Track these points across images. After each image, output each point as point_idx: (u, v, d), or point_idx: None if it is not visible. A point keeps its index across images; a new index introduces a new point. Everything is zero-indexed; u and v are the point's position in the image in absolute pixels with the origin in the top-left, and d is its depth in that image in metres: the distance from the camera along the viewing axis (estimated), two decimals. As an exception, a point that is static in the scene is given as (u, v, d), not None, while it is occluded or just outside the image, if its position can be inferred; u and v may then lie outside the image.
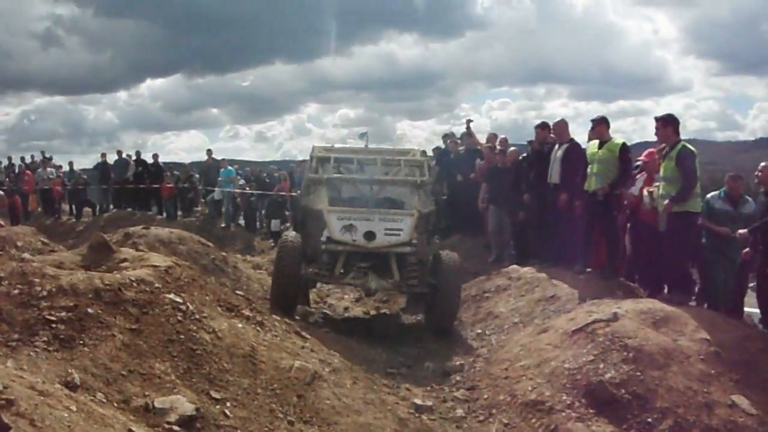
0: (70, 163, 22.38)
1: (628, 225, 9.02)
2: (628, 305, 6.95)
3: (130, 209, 20.27)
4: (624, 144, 8.58)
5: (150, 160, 20.44)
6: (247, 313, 6.38)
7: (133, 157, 20.59)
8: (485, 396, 6.23)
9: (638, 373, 5.82)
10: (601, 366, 5.93)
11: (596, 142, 8.72)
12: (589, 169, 8.66)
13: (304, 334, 6.71)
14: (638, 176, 8.69)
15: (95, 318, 5.06)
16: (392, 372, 6.95)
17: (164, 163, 23.80)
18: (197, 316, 5.67)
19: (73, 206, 21.12)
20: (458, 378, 6.75)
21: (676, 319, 6.64)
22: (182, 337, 5.33)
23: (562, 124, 9.67)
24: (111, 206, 20.83)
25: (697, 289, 8.33)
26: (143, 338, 5.12)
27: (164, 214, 19.83)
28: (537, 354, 6.48)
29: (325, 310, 10.92)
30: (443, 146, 13.72)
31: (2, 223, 19.61)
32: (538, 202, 9.74)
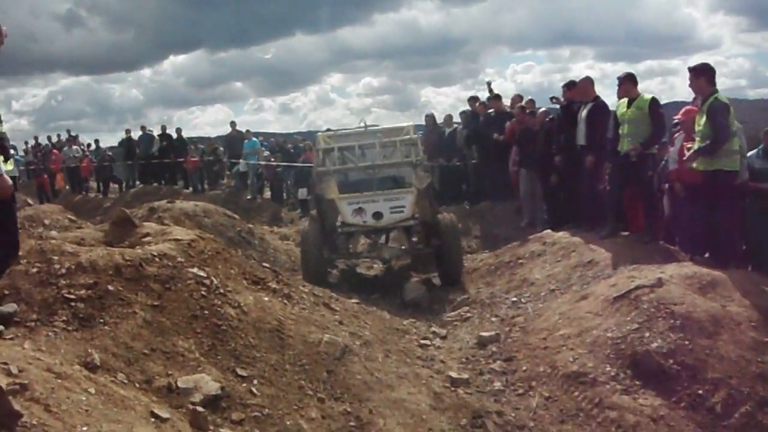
0: (96, 141, 22.42)
1: (666, 186, 8.61)
2: (671, 270, 6.61)
3: (156, 184, 20.20)
4: (653, 99, 8.10)
5: (174, 135, 20.31)
6: (273, 285, 6.16)
7: (158, 132, 20.46)
8: (524, 368, 5.94)
9: (687, 342, 5.50)
10: (647, 335, 5.62)
11: (625, 101, 8.26)
12: (620, 130, 8.23)
13: (333, 305, 6.47)
14: (676, 135, 8.23)
15: (116, 295, 4.87)
16: (426, 344, 6.69)
17: (190, 138, 23.68)
18: (222, 291, 5.46)
19: (100, 183, 21.13)
20: (494, 349, 6.46)
21: (723, 283, 6.29)
22: (206, 312, 5.12)
23: (586, 82, 9.20)
24: (137, 182, 20.79)
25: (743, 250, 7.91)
26: (166, 315, 4.92)
27: (190, 188, 19.73)
28: (577, 323, 6.17)
29: (352, 280, 10.71)
30: (470, 110, 13.29)
31: (30, 202, 19.80)
32: (569, 164, 9.35)
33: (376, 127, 11.21)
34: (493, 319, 7.41)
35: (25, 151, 23.36)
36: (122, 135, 21.16)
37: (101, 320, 4.60)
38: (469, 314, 7.93)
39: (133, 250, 5.59)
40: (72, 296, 4.70)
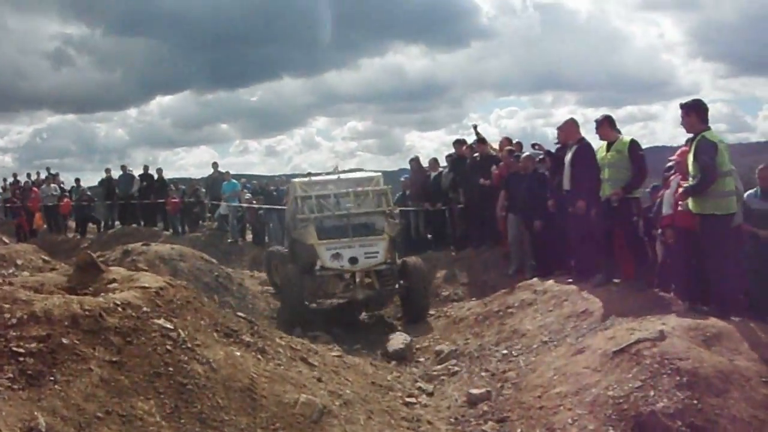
0: (76, 180, 21.87)
1: (659, 231, 8.31)
2: (673, 321, 6.23)
3: (135, 225, 19.68)
4: (633, 141, 7.83)
5: (155, 175, 19.88)
6: (247, 338, 5.70)
7: (139, 173, 20.02)
8: (518, 430, 5.50)
9: (695, 401, 5.08)
10: (652, 393, 5.20)
11: (604, 144, 8.00)
12: (601, 175, 7.96)
13: (311, 360, 6.01)
14: (672, 178, 7.94)
15: (70, 349, 4.40)
16: (411, 401, 6.23)
17: (175, 178, 23.23)
18: (189, 345, 5.00)
19: (79, 223, 20.57)
20: (485, 408, 6.01)
21: (728, 335, 5.92)
22: (171, 369, 4.66)
23: (570, 124, 8.89)
24: (117, 222, 20.26)
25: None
26: (125, 372, 4.45)
27: (170, 230, 19.22)
28: (574, 379, 5.75)
29: (336, 330, 10.24)
30: (455, 153, 13.00)
31: (6, 240, 19.11)
32: (559, 209, 9.05)
33: (347, 175, 12.09)
34: (483, 373, 6.97)
35: (3, 188, 22.75)
36: (104, 175, 20.69)
37: (52, 378, 4.13)
38: (456, 368, 7.49)
39: (94, 299, 5.13)
40: (21, 350, 4.23)
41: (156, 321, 5.12)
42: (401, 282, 10.40)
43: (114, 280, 6.14)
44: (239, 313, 6.90)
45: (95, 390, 4.19)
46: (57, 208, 20.52)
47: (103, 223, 20.40)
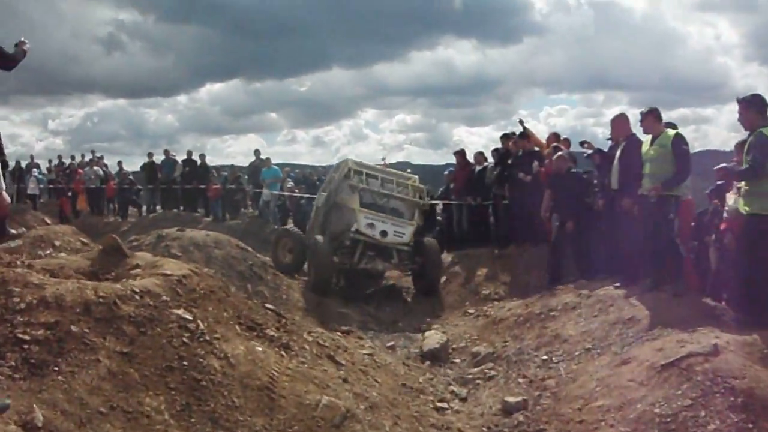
0: (119, 163, 22.05)
1: (713, 237, 7.78)
2: (727, 335, 5.73)
3: (176, 210, 19.71)
4: (677, 135, 7.31)
5: (198, 161, 19.86)
6: (271, 332, 5.42)
7: (182, 158, 20.06)
8: (555, 445, 5.10)
9: (750, 425, 4.62)
10: (703, 414, 4.75)
11: (648, 138, 7.50)
12: (644, 170, 7.47)
13: (339, 358, 5.69)
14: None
15: (79, 338, 4.17)
16: (443, 407, 5.87)
17: (222, 165, 23.17)
18: (207, 338, 4.74)
19: (120, 206, 20.73)
20: (521, 418, 5.62)
21: (790, 353, 5.40)
22: (185, 364, 4.40)
23: (618, 119, 8.40)
24: (159, 207, 20.33)
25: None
26: (136, 364, 4.21)
27: (211, 216, 19.19)
28: (618, 392, 5.31)
29: (371, 324, 9.96)
30: (502, 147, 12.53)
31: (48, 221, 19.40)
32: (607, 209, 8.59)
33: (391, 170, 13.47)
34: (521, 379, 6.57)
35: (48, 170, 23.08)
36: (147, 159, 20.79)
37: (56, 368, 3.90)
38: (493, 372, 7.10)
39: (110, 285, 4.91)
40: (26, 337, 4.02)
41: (174, 311, 4.87)
42: (416, 259, 11.57)
43: (137, 266, 5.94)
44: (268, 305, 6.62)
45: (101, 383, 3.95)
46: (100, 191, 20.71)
47: (145, 207, 20.50)
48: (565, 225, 9.36)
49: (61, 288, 4.54)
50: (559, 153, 10.12)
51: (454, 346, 8.56)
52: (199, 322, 4.87)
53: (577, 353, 6.82)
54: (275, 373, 4.74)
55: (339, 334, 8.29)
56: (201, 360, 4.47)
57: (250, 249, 11.72)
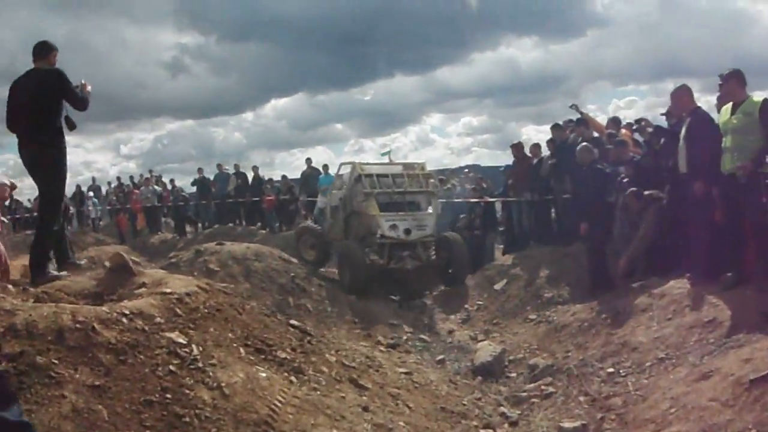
0: (171, 181, 22.01)
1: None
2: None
3: (231, 224, 19.46)
4: (766, 100, 6.12)
5: (251, 174, 19.56)
6: (284, 354, 4.75)
7: (233, 171, 19.80)
8: (619, 483, 4.22)
9: None
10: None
11: (728, 106, 6.34)
12: (722, 144, 6.34)
13: (363, 382, 4.97)
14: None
15: (44, 370, 3.60)
16: (488, 436, 5.06)
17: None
18: (200, 364, 4.10)
19: (176, 223, 20.67)
20: (579, 447, 4.76)
21: None
22: (168, 396, 3.76)
23: (680, 92, 7.30)
24: (213, 221, 20.13)
25: None
26: (107, 399, 3.59)
27: (267, 229, 18.82)
28: (697, 415, 4.38)
29: (423, 336, 9.20)
30: (556, 138, 11.57)
31: (109, 241, 19.45)
32: (675, 197, 7.56)
33: (396, 161, 13.40)
34: (582, 398, 5.67)
35: (107, 193, 23.35)
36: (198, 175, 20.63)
37: (10, 408, 3.32)
38: (551, 388, 6.24)
39: (94, 308, 4.34)
40: (-17, 372, 3.47)
41: (167, 334, 4.28)
42: (442, 254, 11.80)
43: (143, 285, 5.40)
44: (293, 322, 5.97)
45: (62, 422, 3.36)
46: (157, 209, 20.71)
47: (199, 224, 20.35)
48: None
49: (34, 314, 4.00)
50: (583, 144, 9.25)
51: (510, 357, 7.71)
52: (194, 346, 4.25)
53: (648, 364, 5.87)
54: (278, 404, 4.05)
55: (382, 348, 7.61)
56: (188, 391, 3.84)
57: (294, 260, 11.14)
